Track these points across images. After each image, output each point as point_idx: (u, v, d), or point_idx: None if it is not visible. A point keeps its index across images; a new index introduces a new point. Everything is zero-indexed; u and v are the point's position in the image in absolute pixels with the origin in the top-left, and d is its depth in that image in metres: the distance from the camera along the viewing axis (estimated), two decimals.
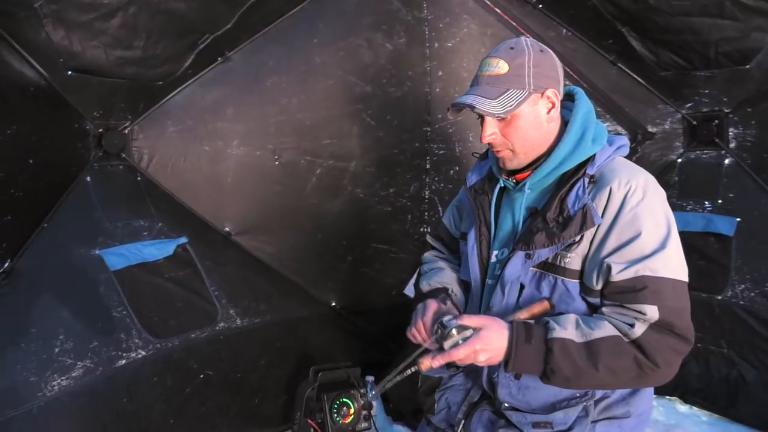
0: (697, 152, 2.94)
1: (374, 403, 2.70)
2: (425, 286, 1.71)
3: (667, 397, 3.01)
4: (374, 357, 3.18)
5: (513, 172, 1.50)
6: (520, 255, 1.40)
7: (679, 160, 2.97)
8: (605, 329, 1.27)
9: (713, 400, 2.89)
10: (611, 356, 1.25)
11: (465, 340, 1.30)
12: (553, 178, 1.43)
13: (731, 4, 2.37)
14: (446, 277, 1.72)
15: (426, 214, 3.14)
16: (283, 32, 2.59)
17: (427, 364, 1.33)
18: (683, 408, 2.99)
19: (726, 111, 2.80)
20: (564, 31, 2.88)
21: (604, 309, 1.33)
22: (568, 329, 1.28)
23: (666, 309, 1.25)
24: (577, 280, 1.36)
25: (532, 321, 1.35)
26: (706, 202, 2.87)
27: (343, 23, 2.74)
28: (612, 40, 2.82)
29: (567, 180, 1.39)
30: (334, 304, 3.08)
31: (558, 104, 1.42)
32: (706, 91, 2.80)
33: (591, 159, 1.39)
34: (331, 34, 2.69)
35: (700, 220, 2.81)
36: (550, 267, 1.39)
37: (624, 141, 1.47)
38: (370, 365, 3.15)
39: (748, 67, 2.59)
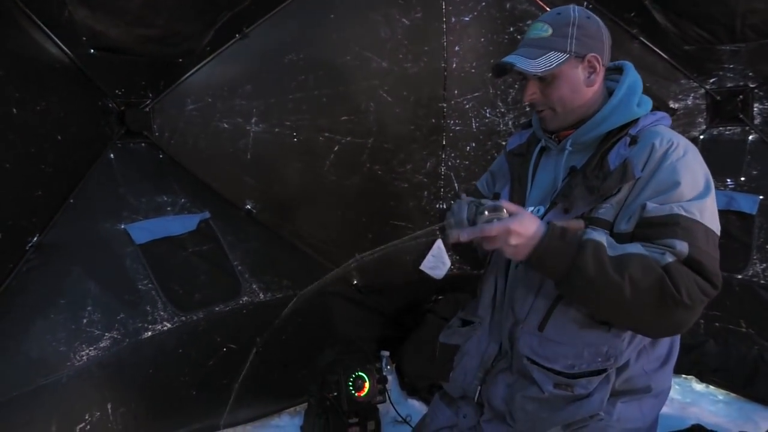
0: (720, 128, 2.89)
1: (389, 378, 2.75)
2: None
3: (684, 375, 3.02)
4: (391, 333, 3.23)
5: (556, 132, 1.55)
6: (557, 209, 1.43)
7: (702, 137, 2.93)
8: (637, 249, 1.27)
9: (731, 378, 2.89)
10: (639, 270, 1.22)
11: (500, 220, 1.26)
12: (595, 136, 1.47)
13: None
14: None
15: (442, 190, 3.13)
16: (301, 8, 2.58)
17: (455, 235, 1.28)
18: (699, 387, 3.00)
19: (751, 86, 2.74)
20: (585, 3, 2.82)
21: None
22: (603, 238, 1.28)
23: (696, 248, 1.25)
24: (607, 231, 1.36)
25: None
26: (728, 180, 2.84)
27: None
28: (634, 13, 2.76)
29: (609, 140, 1.43)
30: (356, 282, 3.10)
31: (600, 69, 1.47)
32: (731, 66, 2.75)
33: (634, 122, 1.44)
34: (348, 9, 2.67)
35: (722, 198, 2.78)
36: (585, 220, 1.39)
37: (667, 115, 1.51)
38: (386, 341, 3.20)
39: None
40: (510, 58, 1.45)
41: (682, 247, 1.24)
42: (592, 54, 1.45)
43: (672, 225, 1.27)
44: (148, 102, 2.40)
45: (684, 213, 1.27)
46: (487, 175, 1.87)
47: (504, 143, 3.02)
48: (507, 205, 1.30)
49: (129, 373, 2.18)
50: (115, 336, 2.14)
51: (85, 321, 2.08)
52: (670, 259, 1.23)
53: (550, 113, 1.51)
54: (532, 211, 1.50)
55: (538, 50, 1.43)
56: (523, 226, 1.26)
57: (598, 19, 1.50)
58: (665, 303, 1.22)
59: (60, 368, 1.98)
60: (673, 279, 1.21)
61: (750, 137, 2.81)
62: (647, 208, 1.30)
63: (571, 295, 1.35)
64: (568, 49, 1.43)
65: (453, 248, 1.86)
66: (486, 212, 1.28)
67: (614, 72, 1.55)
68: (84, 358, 2.04)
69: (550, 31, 1.44)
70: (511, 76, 1.54)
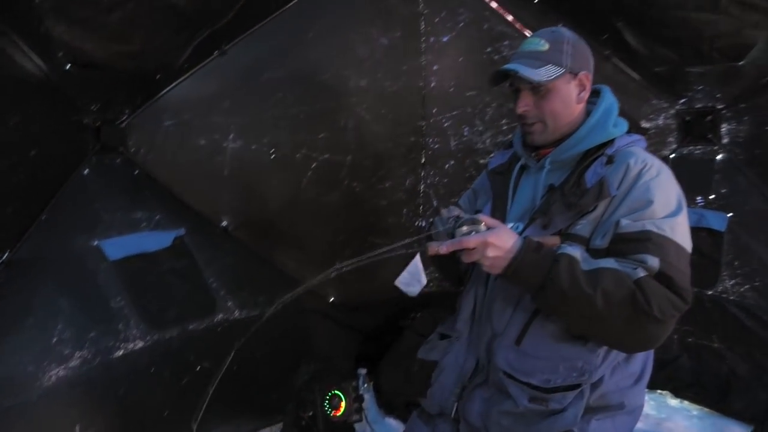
0: (690, 148, 2.96)
1: (366, 396, 2.73)
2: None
3: (659, 391, 3.04)
4: (369, 350, 3.21)
5: (535, 150, 1.60)
6: (536, 225, 1.47)
7: (672, 156, 3.00)
8: (610, 263, 1.30)
9: (704, 394, 2.93)
10: (611, 283, 1.26)
11: (478, 233, 1.30)
12: (573, 155, 1.52)
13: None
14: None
15: (421, 207, 3.15)
16: (280, 26, 2.60)
17: (434, 248, 1.32)
18: (674, 402, 3.02)
19: (719, 107, 2.82)
20: (560, 25, 2.89)
21: None
22: (577, 253, 1.32)
23: (667, 264, 1.28)
24: (584, 246, 1.40)
25: None
26: (698, 198, 2.90)
27: (339, 18, 2.75)
28: (607, 35, 2.83)
29: (586, 159, 1.49)
30: (333, 299, 3.09)
31: (589, 88, 1.54)
32: (700, 87, 2.82)
33: (610, 142, 1.50)
34: (327, 28, 2.70)
35: (692, 215, 2.83)
36: (562, 236, 1.43)
37: (642, 138, 1.58)
38: (363, 358, 3.18)
39: (741, 63, 2.60)
40: (513, 66, 1.50)
41: (654, 262, 1.28)
42: (584, 72, 1.52)
43: (644, 241, 1.31)
44: (124, 118, 2.38)
45: (656, 230, 1.31)
46: (470, 193, 1.91)
47: (482, 161, 3.08)
48: (485, 219, 1.34)
49: (100, 393, 2.14)
50: (86, 355, 2.09)
51: (54, 340, 2.03)
52: (641, 273, 1.26)
53: (540, 126, 1.55)
54: (511, 227, 1.54)
55: (538, 62, 1.49)
56: (500, 239, 1.29)
57: (585, 42, 1.58)
58: (637, 316, 1.25)
59: (28, 389, 1.93)
60: (644, 293, 1.24)
61: (719, 156, 2.87)
62: (621, 224, 1.34)
63: (546, 307, 1.38)
64: (565, 64, 1.49)
65: (434, 262, 1.89)
66: (465, 225, 1.31)
67: (592, 95, 1.61)
68: (53, 378, 1.99)
69: (548, 46, 1.50)
70: (491, 95, 1.58)
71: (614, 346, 1.42)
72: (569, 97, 1.52)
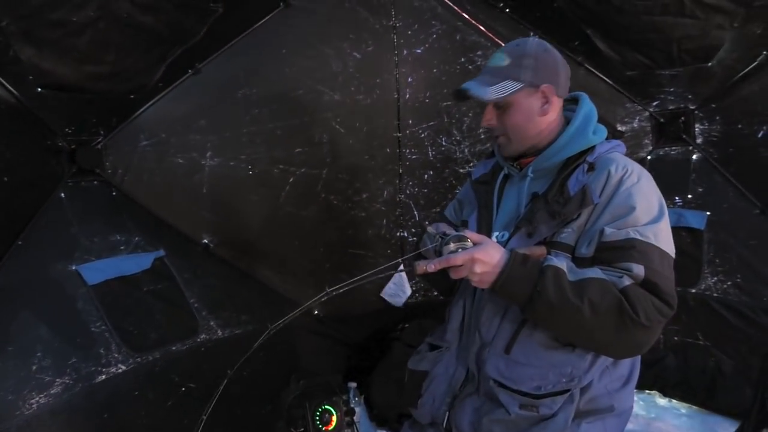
0: (666, 149, 3.01)
1: (357, 410, 2.71)
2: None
3: (647, 391, 3.06)
4: (357, 363, 3.19)
5: (517, 159, 1.61)
6: (521, 234, 1.47)
7: (649, 157, 3.04)
8: (596, 273, 1.31)
9: (692, 392, 2.95)
10: (598, 293, 1.27)
11: (464, 250, 1.31)
12: (554, 163, 1.53)
13: (691, 2, 2.45)
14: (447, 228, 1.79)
15: (402, 218, 3.16)
16: (253, 43, 2.61)
17: (422, 267, 1.32)
18: (663, 401, 3.04)
19: (691, 108, 2.88)
20: (531, 34, 2.93)
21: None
22: (563, 264, 1.33)
23: (651, 271, 1.30)
24: (569, 254, 1.42)
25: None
26: (677, 198, 2.95)
27: (312, 33, 2.77)
28: (578, 42, 2.89)
29: (568, 167, 1.50)
30: (317, 312, 3.08)
31: (555, 100, 1.53)
32: (672, 89, 2.88)
33: (591, 150, 1.51)
34: (300, 44, 2.72)
35: (672, 215, 2.86)
36: (547, 244, 1.44)
37: (621, 143, 1.59)
38: (353, 371, 3.16)
39: (710, 64, 2.67)
40: (466, 85, 1.53)
41: (639, 270, 1.30)
42: (546, 85, 1.51)
43: (629, 249, 1.32)
44: (99, 139, 2.38)
45: (639, 237, 1.33)
46: (455, 203, 1.91)
47: (462, 171, 3.09)
48: (471, 235, 1.35)
49: (83, 418, 2.09)
50: (67, 381, 2.06)
51: (34, 367, 2.00)
52: (627, 282, 1.28)
53: (504, 139, 1.58)
54: (497, 236, 1.56)
55: (494, 78, 1.50)
56: (487, 254, 1.31)
57: (556, 52, 1.57)
58: (624, 324, 1.27)
59: (8, 418, 1.88)
60: (630, 301, 1.26)
61: (694, 156, 2.92)
62: (605, 233, 1.36)
63: (535, 318, 1.39)
64: (522, 78, 1.49)
65: (423, 278, 1.90)
66: (451, 243, 1.33)
67: (571, 102, 1.62)
68: (34, 406, 1.95)
69: (508, 61, 1.51)
70: (467, 104, 1.60)
71: (603, 353, 1.44)
72: (530, 110, 1.52)
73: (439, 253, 1.35)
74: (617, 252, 1.33)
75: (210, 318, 2.59)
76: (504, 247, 1.46)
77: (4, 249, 2.10)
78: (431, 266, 1.31)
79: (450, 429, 1.62)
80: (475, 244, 1.34)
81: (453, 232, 1.37)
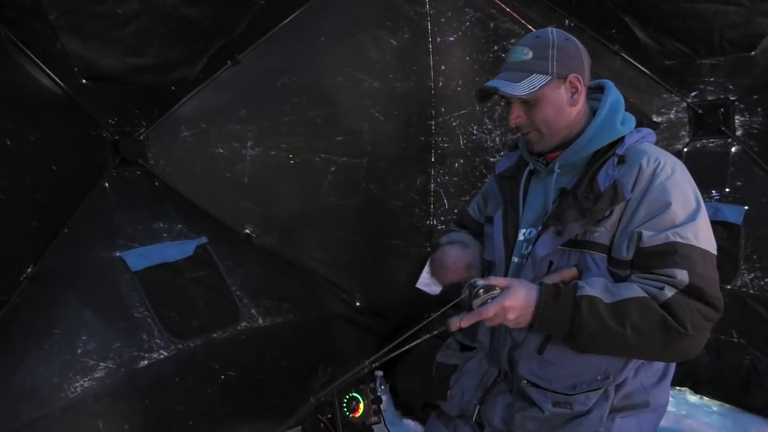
0: (703, 141, 2.93)
1: (384, 398, 2.73)
2: (444, 240, 1.79)
3: (678, 387, 3.00)
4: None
5: (543, 154, 1.56)
6: (550, 232, 1.44)
7: (685, 150, 2.97)
8: (634, 291, 1.28)
9: (724, 389, 2.88)
10: (639, 315, 1.24)
11: (493, 299, 1.30)
12: (582, 157, 1.48)
13: None
14: (466, 238, 1.78)
15: (432, 207, 3.16)
16: (291, 33, 2.61)
17: (456, 323, 1.30)
18: (694, 398, 2.98)
19: (732, 98, 2.79)
20: (567, 21, 2.88)
21: (633, 277, 1.34)
22: (596, 288, 1.30)
23: (695, 275, 1.26)
24: (605, 255, 1.38)
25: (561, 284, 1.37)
26: (714, 191, 2.87)
27: (348, 21, 2.77)
28: (615, 30, 2.82)
29: (596, 160, 1.45)
30: (359, 304, 3.09)
31: (582, 89, 1.48)
32: (711, 79, 2.80)
33: (620, 141, 1.45)
34: (337, 31, 2.72)
35: (708, 209, 2.73)
36: (578, 243, 1.41)
37: (651, 131, 1.53)
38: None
39: (753, 53, 2.59)
40: (493, 83, 1.47)
41: (683, 275, 1.26)
42: (574, 74, 1.46)
43: (670, 254, 1.28)
44: (142, 130, 2.41)
45: (680, 240, 1.28)
46: (479, 198, 1.89)
47: (492, 159, 3.07)
48: (498, 282, 1.33)
49: (124, 403, 2.14)
50: (110, 366, 2.10)
51: (79, 351, 2.04)
52: (669, 293, 1.25)
53: (535, 135, 1.51)
54: (524, 233, 1.53)
55: (521, 73, 1.45)
56: (517, 299, 1.29)
57: (576, 40, 1.52)
58: (672, 338, 1.25)
59: (53, 400, 1.93)
60: (674, 314, 1.23)
61: (733, 149, 2.85)
62: (643, 238, 1.31)
63: (581, 349, 1.36)
64: (550, 71, 1.44)
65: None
66: (480, 294, 1.31)
67: (596, 91, 1.57)
68: (78, 389, 2.00)
69: (531, 54, 1.45)
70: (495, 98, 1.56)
71: (652, 361, 1.44)
72: (560, 102, 1.47)
73: (470, 306, 1.33)
74: (658, 258, 1.29)
75: (251, 306, 2.60)
76: (534, 243, 1.46)
77: (51, 236, 2.15)
78: (464, 322, 1.30)
79: (480, 423, 1.62)
80: (502, 289, 1.31)
81: (479, 281, 1.34)
